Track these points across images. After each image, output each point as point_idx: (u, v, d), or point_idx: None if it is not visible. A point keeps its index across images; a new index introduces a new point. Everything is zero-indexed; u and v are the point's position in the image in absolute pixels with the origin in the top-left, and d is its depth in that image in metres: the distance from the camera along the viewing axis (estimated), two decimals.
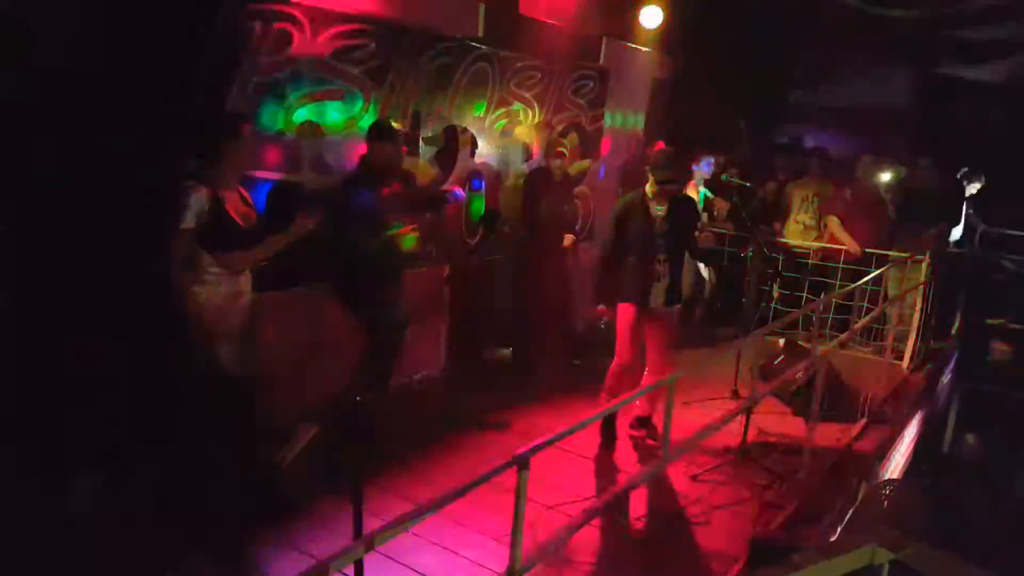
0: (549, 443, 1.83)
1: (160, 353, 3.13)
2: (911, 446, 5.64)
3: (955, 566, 1.16)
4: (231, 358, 3.08)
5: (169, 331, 3.00)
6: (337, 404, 3.31)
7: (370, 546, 1.55)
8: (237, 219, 3.11)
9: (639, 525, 3.73)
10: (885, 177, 6.55)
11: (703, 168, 6.71)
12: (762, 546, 2.67)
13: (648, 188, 4.32)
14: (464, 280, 5.53)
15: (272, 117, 4.03)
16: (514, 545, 1.77)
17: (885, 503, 3.58)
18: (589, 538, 3.46)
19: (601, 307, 4.44)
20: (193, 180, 3.02)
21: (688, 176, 6.51)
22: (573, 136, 6.54)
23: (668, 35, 6.82)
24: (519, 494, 1.76)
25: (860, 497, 4.10)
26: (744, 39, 7.32)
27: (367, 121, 4.57)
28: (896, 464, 5.32)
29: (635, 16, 6.55)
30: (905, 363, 6.48)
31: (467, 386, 5.34)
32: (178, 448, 3.03)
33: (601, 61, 6.50)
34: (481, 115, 5.58)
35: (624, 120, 7.17)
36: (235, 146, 3.15)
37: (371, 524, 1.96)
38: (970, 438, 7.38)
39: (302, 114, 4.20)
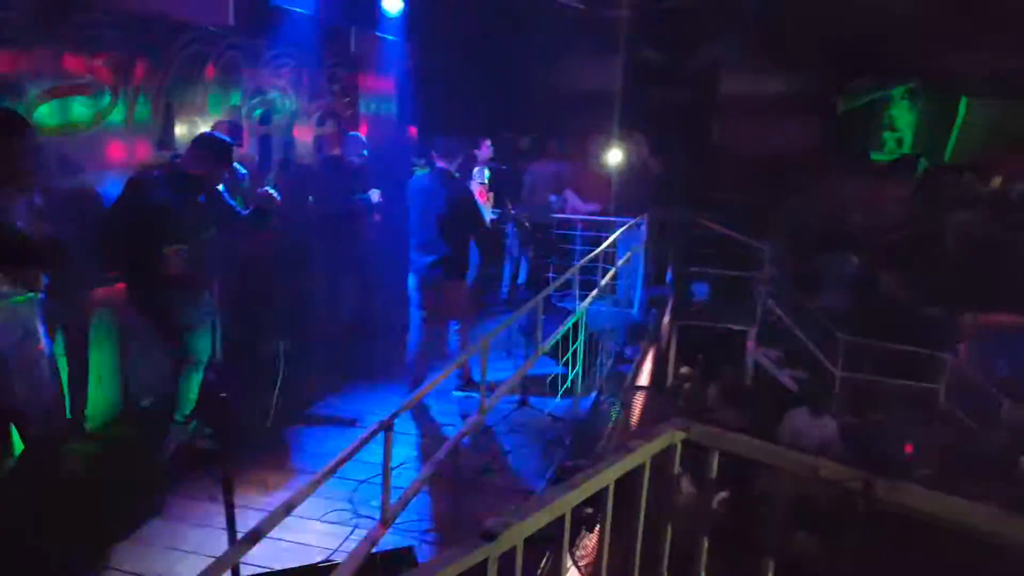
0: (408, 406, 2.13)
1: None
2: (651, 372, 6.76)
3: (724, 435, 1.71)
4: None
5: None
6: (203, 402, 3.24)
7: (258, 537, 1.69)
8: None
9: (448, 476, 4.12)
10: (612, 154, 7.63)
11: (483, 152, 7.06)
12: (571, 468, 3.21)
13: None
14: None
15: None
16: (385, 496, 2.05)
17: (636, 408, 4.40)
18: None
19: None
20: None
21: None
22: (331, 124, 6.66)
23: (415, 25, 7.17)
24: (387, 454, 2.04)
25: (618, 413, 4.90)
26: (482, 32, 7.93)
27: (117, 116, 4.34)
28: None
29: (380, 5, 6.79)
30: (635, 309, 7.68)
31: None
32: None
33: (352, 50, 6.66)
34: (238, 104, 5.48)
35: (378, 107, 7.42)
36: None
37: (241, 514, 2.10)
38: (684, 369, 8.92)
39: (44, 112, 3.87)
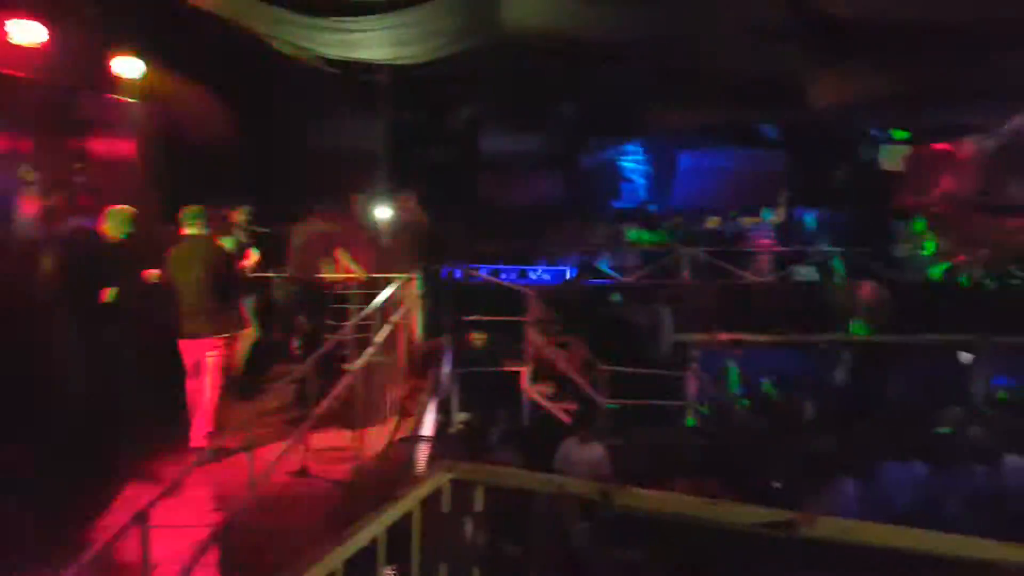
0: (167, 493, 1.99)
1: None
2: (434, 421, 6.87)
3: (485, 469, 1.83)
4: None
5: None
6: None
7: None
8: None
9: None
10: (379, 212, 7.71)
11: (234, 219, 6.71)
12: None
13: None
14: None
15: None
16: None
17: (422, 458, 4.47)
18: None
19: None
20: None
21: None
22: (60, 193, 6.03)
23: (159, 86, 6.79)
24: (147, 552, 1.89)
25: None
26: (237, 94, 7.71)
27: None
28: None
29: (113, 67, 6.34)
30: (416, 361, 7.76)
31: None
32: None
33: (81, 114, 6.13)
34: None
35: (115, 174, 6.86)
36: None
37: None
38: (461, 415, 9.15)
39: None
